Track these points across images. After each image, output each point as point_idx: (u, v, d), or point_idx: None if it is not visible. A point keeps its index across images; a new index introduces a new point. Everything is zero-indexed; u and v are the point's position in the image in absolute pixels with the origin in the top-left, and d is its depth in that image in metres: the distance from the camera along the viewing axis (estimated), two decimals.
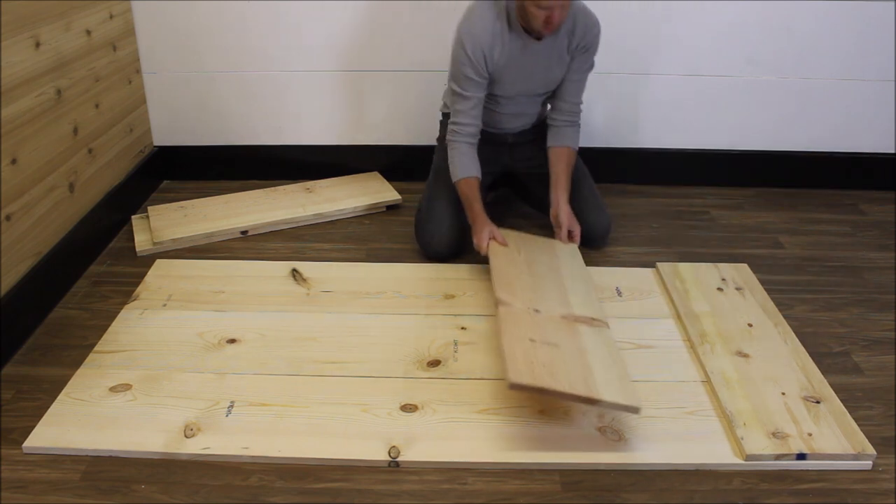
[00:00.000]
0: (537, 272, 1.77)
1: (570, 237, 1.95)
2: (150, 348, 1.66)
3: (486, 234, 1.87)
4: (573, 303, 1.67)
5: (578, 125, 2.02)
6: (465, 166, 1.92)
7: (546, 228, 2.07)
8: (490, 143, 2.04)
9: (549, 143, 2.00)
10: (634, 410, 1.37)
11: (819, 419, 1.45)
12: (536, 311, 1.60)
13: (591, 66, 1.98)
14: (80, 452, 1.39)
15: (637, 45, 2.38)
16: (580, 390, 1.35)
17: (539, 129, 2.09)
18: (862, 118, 2.48)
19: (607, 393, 1.36)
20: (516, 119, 2.07)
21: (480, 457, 1.38)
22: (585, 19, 1.88)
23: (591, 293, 1.74)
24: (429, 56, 2.35)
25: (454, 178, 1.94)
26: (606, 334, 1.57)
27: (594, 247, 2.09)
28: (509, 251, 1.85)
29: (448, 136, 1.95)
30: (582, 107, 2.01)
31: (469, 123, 1.92)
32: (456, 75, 1.89)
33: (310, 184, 2.46)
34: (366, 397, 1.52)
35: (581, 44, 1.89)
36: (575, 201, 2.02)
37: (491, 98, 1.97)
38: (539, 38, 1.82)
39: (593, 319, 1.62)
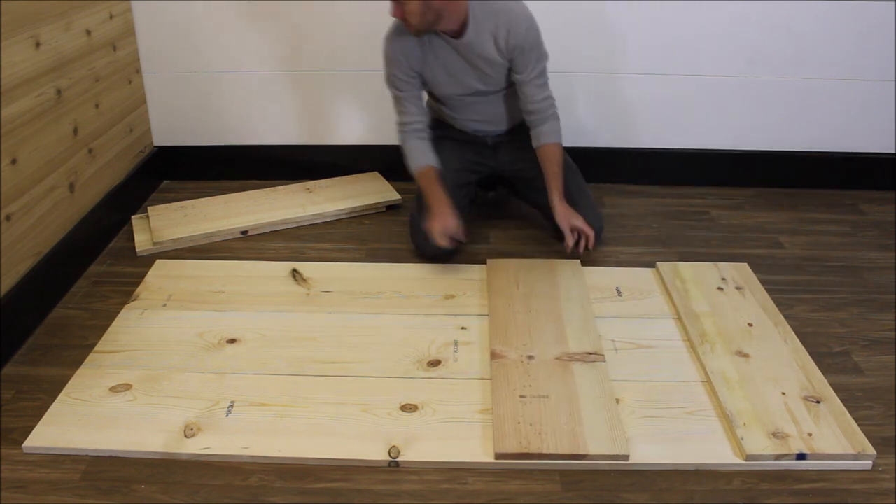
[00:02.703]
0: (534, 307, 1.79)
1: (584, 237, 1.91)
2: (150, 348, 1.66)
3: (443, 230, 1.84)
4: (569, 337, 1.68)
5: (555, 117, 1.96)
6: (417, 157, 1.95)
7: (542, 228, 2.07)
8: (471, 144, 2.07)
9: (533, 144, 1.99)
10: (623, 458, 1.38)
11: (819, 419, 1.45)
12: (530, 357, 1.62)
13: (540, 62, 1.91)
14: (80, 452, 1.39)
15: (637, 45, 2.38)
16: (566, 448, 1.38)
17: (518, 131, 2.10)
18: (862, 118, 2.48)
19: (594, 445, 1.38)
20: (483, 123, 2.07)
21: (480, 457, 1.39)
22: (507, 17, 1.83)
23: (589, 320, 1.75)
24: None
25: (412, 172, 1.96)
26: (601, 370, 1.58)
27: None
28: (509, 285, 1.87)
29: (398, 137, 1.98)
30: (551, 101, 1.96)
31: (413, 121, 1.95)
32: (388, 77, 1.95)
33: (310, 184, 2.46)
34: (366, 397, 1.52)
35: (511, 43, 1.85)
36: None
37: (439, 101, 2.01)
38: (455, 36, 1.84)
39: (588, 354, 1.63)
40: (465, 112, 2.05)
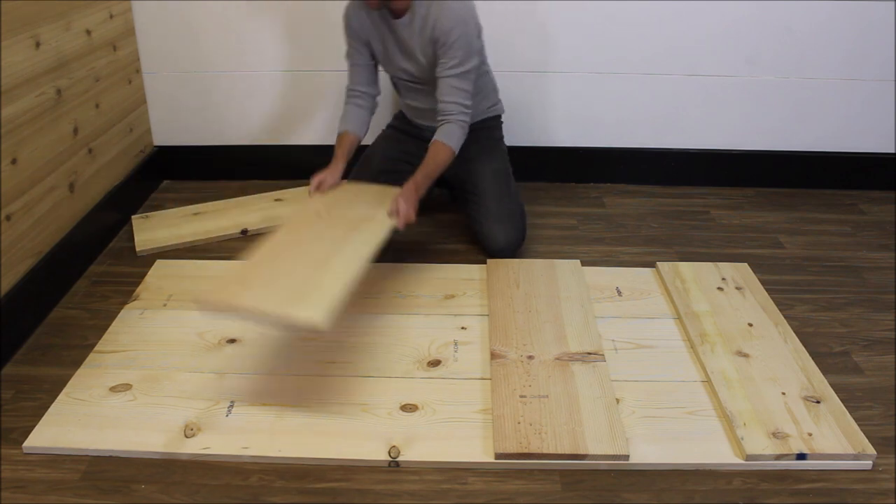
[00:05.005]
0: (534, 307, 1.79)
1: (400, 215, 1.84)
2: (150, 348, 1.66)
3: (318, 177, 1.91)
4: (569, 337, 1.68)
5: (458, 123, 1.90)
6: (342, 121, 2.03)
7: (541, 228, 2.06)
8: (416, 138, 2.11)
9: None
10: (623, 458, 1.38)
11: (819, 419, 1.45)
12: (530, 357, 1.62)
13: (461, 65, 1.86)
14: (80, 452, 1.39)
15: (637, 45, 2.38)
16: (566, 448, 1.38)
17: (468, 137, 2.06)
18: (862, 118, 2.48)
19: (594, 445, 1.38)
20: (424, 113, 2.07)
21: (480, 457, 1.39)
22: (440, 9, 1.83)
23: (590, 320, 1.75)
24: None
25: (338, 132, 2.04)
26: (600, 370, 1.58)
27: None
28: (509, 285, 1.87)
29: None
30: (461, 108, 1.89)
31: (355, 89, 2.04)
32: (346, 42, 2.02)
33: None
34: (366, 397, 1.52)
35: (436, 37, 1.84)
36: (477, 209, 2.04)
37: (394, 85, 2.10)
38: (396, 16, 1.88)
39: (588, 354, 1.63)
40: (407, 96, 2.10)
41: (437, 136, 1.91)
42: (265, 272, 1.49)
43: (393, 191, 1.92)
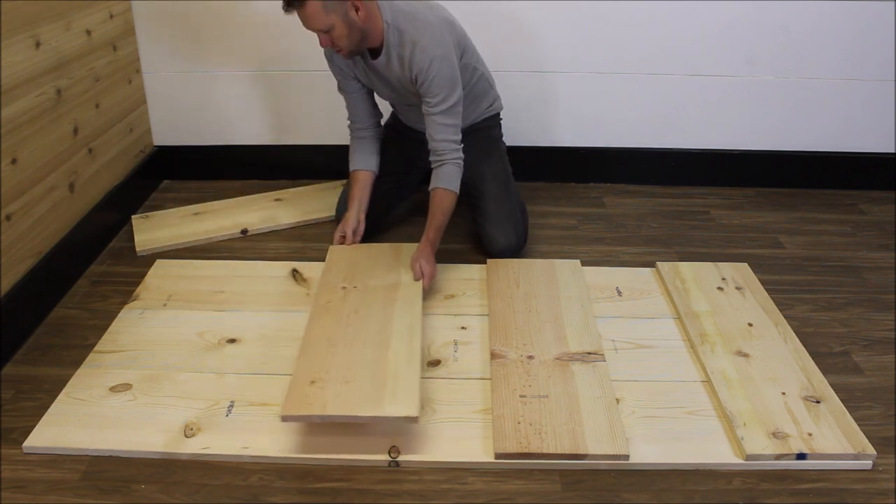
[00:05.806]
0: (534, 308, 1.79)
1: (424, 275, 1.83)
2: (150, 348, 1.66)
3: (339, 232, 1.96)
4: (569, 337, 1.68)
5: (453, 163, 1.86)
6: (353, 160, 2.04)
7: (540, 229, 2.06)
8: (411, 140, 2.11)
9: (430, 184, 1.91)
10: (623, 458, 1.38)
11: (819, 419, 1.45)
12: (530, 357, 1.61)
13: (445, 101, 1.81)
14: (80, 452, 1.39)
15: (637, 45, 2.38)
16: (566, 448, 1.38)
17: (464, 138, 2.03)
18: (862, 118, 2.48)
19: (594, 445, 1.39)
20: (420, 124, 2.03)
21: (480, 457, 1.39)
22: (416, 53, 1.77)
23: (590, 320, 1.74)
24: None
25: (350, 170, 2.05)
26: (600, 370, 1.58)
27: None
28: (509, 285, 1.86)
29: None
30: (453, 146, 1.86)
31: (355, 120, 2.04)
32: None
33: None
34: None
35: (415, 76, 1.80)
36: (477, 211, 2.04)
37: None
38: (372, 57, 1.85)
39: (588, 354, 1.63)
40: (401, 112, 2.11)
41: (436, 183, 1.87)
42: (331, 366, 1.48)
43: (402, 246, 1.95)
